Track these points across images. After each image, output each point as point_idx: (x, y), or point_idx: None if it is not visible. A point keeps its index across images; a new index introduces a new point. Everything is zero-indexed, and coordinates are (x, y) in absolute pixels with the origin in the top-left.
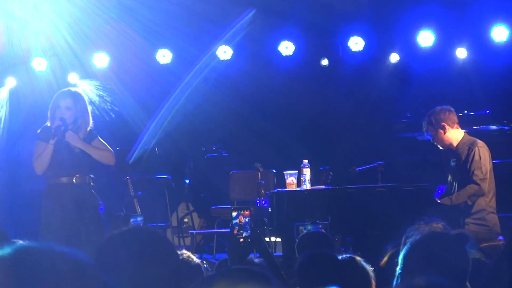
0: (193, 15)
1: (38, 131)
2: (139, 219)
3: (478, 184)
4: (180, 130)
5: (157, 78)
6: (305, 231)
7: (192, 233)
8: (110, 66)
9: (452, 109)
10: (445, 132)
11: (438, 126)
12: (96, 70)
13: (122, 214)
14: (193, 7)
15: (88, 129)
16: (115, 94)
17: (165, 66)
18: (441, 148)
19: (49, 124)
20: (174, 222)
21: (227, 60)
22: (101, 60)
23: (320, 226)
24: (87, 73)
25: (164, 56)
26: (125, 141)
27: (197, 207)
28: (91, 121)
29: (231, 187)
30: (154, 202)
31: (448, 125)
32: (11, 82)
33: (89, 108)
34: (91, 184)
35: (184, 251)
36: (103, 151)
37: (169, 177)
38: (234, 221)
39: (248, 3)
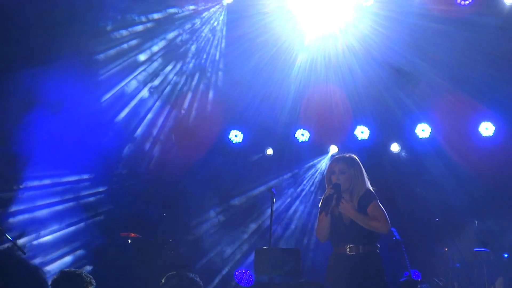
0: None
1: (320, 204)
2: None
3: None
4: None
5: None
6: None
7: None
8: (431, 136)
9: None
10: None
11: None
12: (418, 140)
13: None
14: None
15: (363, 192)
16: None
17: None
18: None
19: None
20: None
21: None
22: (423, 130)
23: None
24: (406, 143)
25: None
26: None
27: None
28: (368, 186)
29: None
30: (472, 275)
31: None
32: (333, 149)
33: (365, 173)
34: (369, 252)
35: None
36: (373, 222)
37: (488, 250)
38: None
39: None
